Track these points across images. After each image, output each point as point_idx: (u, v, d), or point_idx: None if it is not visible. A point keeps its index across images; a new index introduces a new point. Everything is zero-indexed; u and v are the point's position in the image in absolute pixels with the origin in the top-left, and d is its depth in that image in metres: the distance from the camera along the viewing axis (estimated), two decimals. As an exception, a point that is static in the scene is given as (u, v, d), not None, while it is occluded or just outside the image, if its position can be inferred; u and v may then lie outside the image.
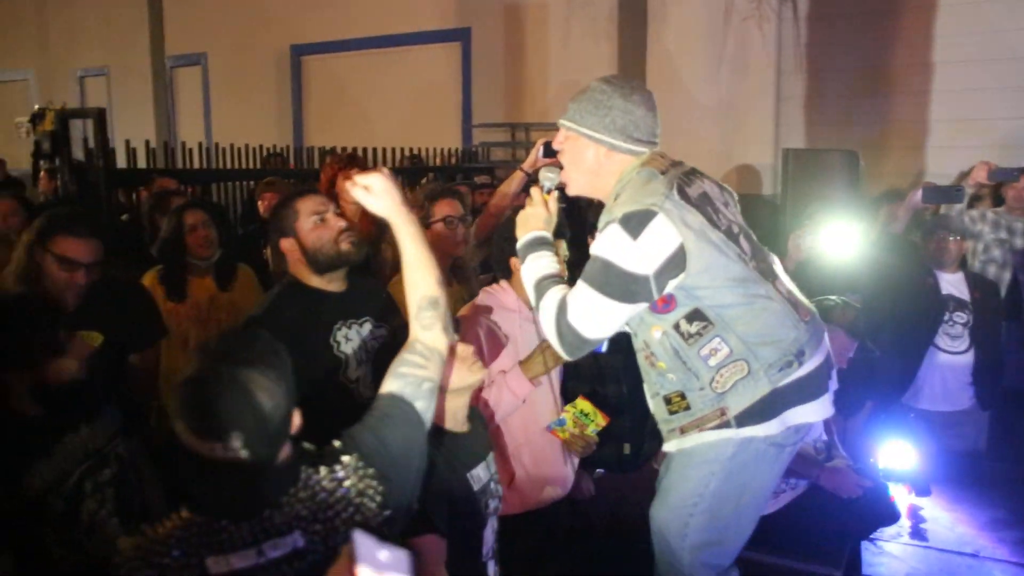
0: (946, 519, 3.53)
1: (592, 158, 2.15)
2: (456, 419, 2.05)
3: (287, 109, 9.57)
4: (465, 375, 1.98)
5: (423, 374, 1.71)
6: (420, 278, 1.83)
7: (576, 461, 2.91)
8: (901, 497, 3.70)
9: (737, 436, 2.12)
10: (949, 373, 4.17)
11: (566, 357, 2.18)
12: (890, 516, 3.23)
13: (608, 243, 2.02)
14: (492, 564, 2.15)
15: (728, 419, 2.11)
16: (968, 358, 4.14)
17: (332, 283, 2.50)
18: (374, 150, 6.80)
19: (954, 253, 4.20)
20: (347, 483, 1.55)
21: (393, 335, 2.65)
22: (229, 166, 5.70)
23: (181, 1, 10.25)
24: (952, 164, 6.11)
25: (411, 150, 7.30)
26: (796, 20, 6.91)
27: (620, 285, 2.01)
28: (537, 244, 2.25)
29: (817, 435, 3.15)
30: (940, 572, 3.10)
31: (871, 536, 3.36)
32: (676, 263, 2.01)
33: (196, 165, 5.54)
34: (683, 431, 2.18)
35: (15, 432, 1.98)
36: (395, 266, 3.12)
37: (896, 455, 3.82)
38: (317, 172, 6.03)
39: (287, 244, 2.45)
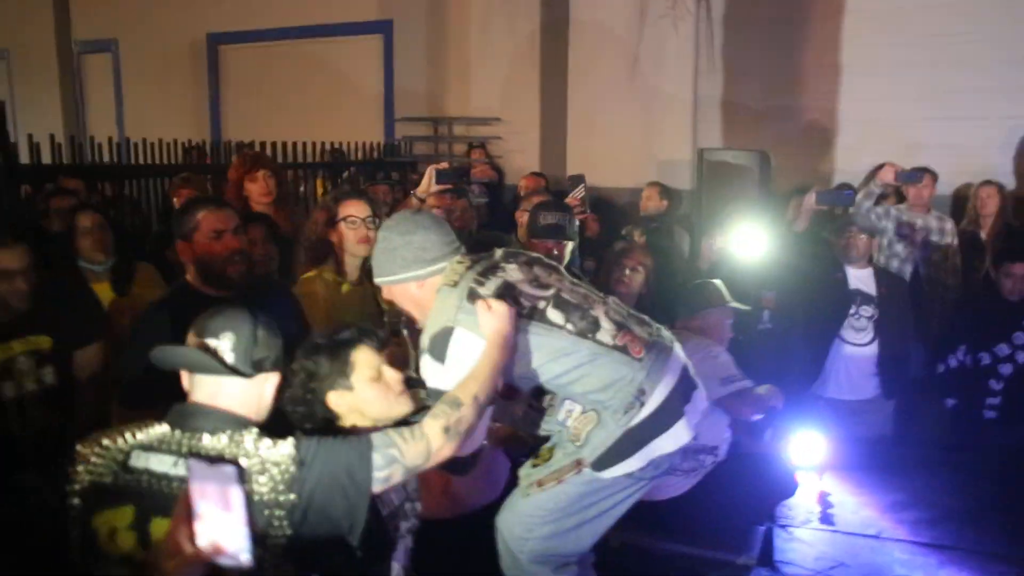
0: (852, 503, 3.72)
1: (412, 295, 2.32)
2: None
3: (204, 101, 9.31)
4: (388, 406, 1.97)
5: (398, 442, 1.79)
6: (465, 384, 1.98)
7: (507, 460, 2.94)
8: (810, 484, 3.88)
9: (611, 478, 2.28)
10: (853, 364, 4.39)
11: None
12: (790, 487, 3.42)
13: (428, 374, 2.20)
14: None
15: (583, 468, 2.28)
16: (872, 350, 4.36)
17: (223, 290, 2.56)
18: (294, 144, 6.69)
19: (862, 249, 4.41)
20: (260, 456, 1.68)
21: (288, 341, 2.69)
22: (143, 162, 5.53)
23: (88, -18, 9.87)
24: (860, 164, 6.39)
25: (332, 144, 7.22)
26: (710, 21, 7.09)
27: None
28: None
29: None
30: (846, 555, 3.27)
31: (781, 521, 3.53)
32: None
33: (106, 160, 5.36)
34: (541, 484, 2.34)
35: None
36: (307, 266, 3.15)
37: (806, 445, 3.98)
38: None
39: (182, 247, 2.56)
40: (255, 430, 1.70)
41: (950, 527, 3.48)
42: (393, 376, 2.01)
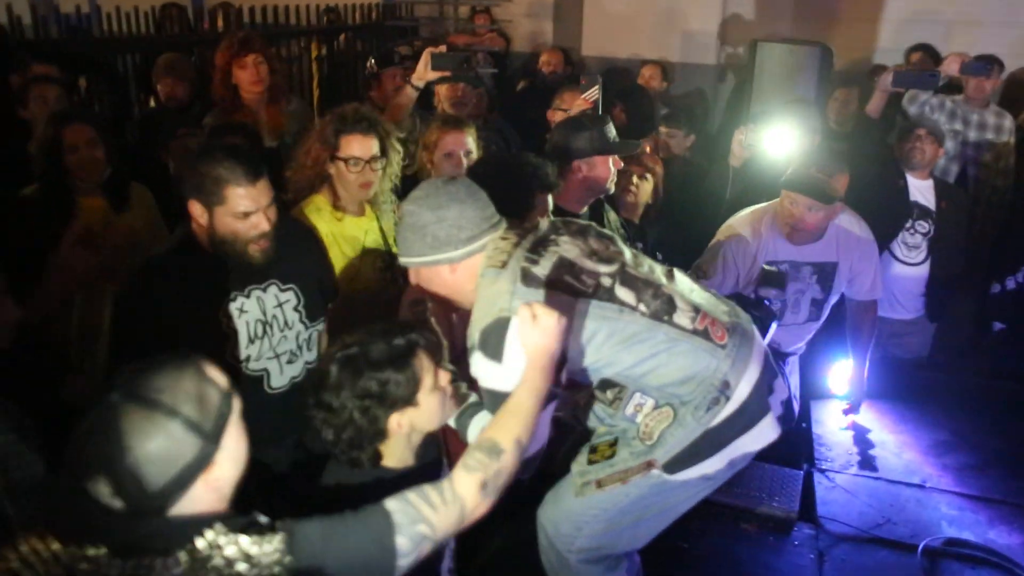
0: (892, 443, 3.51)
1: (445, 279, 1.96)
2: (404, 456, 1.78)
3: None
4: (443, 416, 1.74)
5: (427, 514, 1.43)
6: (504, 423, 1.61)
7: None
8: (847, 417, 3.67)
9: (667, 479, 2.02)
10: (899, 284, 4.06)
11: None
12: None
13: (480, 373, 1.85)
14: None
15: (653, 469, 2.01)
16: (923, 270, 4.03)
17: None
18: (286, 8, 6.05)
19: (929, 156, 3.96)
20: (251, 564, 1.28)
21: (305, 293, 2.38)
22: (116, 32, 4.94)
23: None
24: (905, 39, 5.84)
25: (326, 5, 6.55)
26: None
27: None
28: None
29: None
30: (891, 508, 3.08)
31: (820, 464, 3.33)
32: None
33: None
34: (600, 484, 2.06)
35: None
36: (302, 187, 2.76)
37: (842, 372, 3.74)
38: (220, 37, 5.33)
39: (197, 210, 2.13)
40: (218, 526, 1.27)
41: (995, 475, 3.28)
42: (445, 377, 1.74)
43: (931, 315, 4.13)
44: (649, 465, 2.00)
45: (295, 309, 2.37)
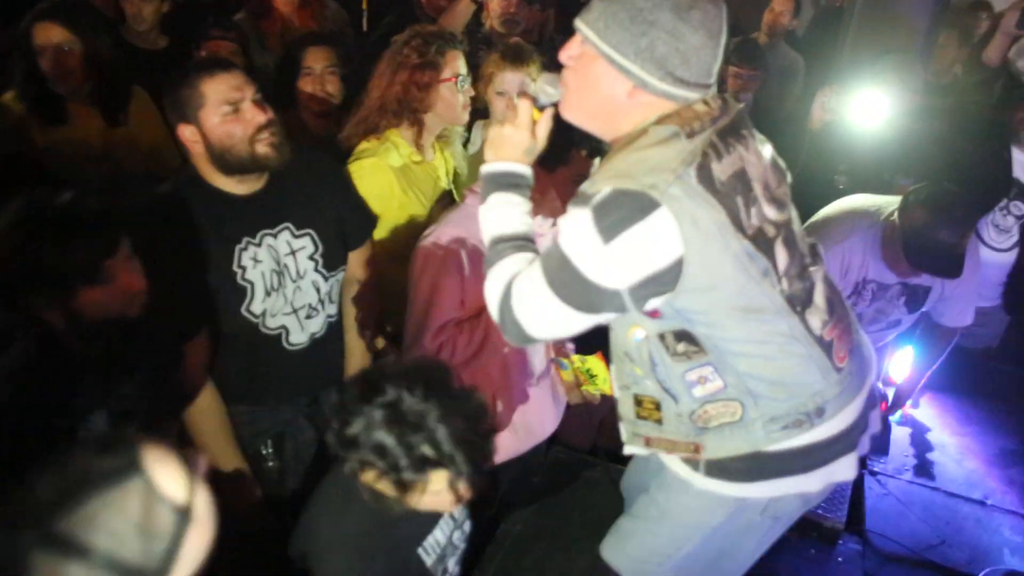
0: (953, 447, 3.19)
1: (609, 92, 1.48)
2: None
3: None
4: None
5: None
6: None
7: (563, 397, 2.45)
8: (903, 412, 3.34)
9: (719, 494, 1.68)
10: (982, 269, 3.64)
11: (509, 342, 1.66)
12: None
13: (572, 234, 1.45)
14: None
15: (699, 460, 1.65)
16: (1009, 257, 3.62)
17: (244, 183, 1.95)
18: None
19: None
20: None
21: (323, 240, 2.10)
22: None
23: None
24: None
25: None
26: None
27: (578, 292, 1.48)
28: (508, 182, 1.62)
29: None
30: (947, 526, 2.78)
31: (872, 465, 3.03)
32: (663, 280, 1.43)
33: None
34: (649, 443, 1.71)
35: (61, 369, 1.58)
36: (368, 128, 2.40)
37: (904, 364, 3.38)
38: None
39: (187, 133, 1.86)
40: None
41: (1069, 497, 2.97)
42: (447, 499, 1.50)
43: (1008, 306, 3.74)
44: (696, 449, 1.65)
45: (310, 258, 2.10)
